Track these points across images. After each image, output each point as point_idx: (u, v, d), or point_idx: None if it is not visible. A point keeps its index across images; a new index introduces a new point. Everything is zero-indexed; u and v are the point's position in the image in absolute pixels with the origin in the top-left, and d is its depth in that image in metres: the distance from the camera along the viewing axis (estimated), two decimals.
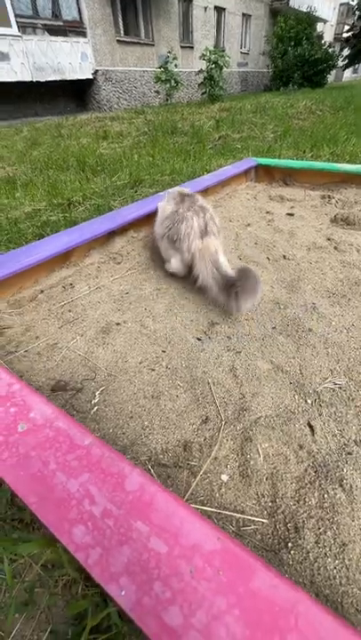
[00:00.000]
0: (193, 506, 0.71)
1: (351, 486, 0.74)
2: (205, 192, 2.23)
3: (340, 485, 0.74)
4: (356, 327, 1.20)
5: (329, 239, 1.82)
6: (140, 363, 1.10)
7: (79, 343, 1.18)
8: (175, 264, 1.50)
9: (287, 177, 2.62)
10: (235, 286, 1.26)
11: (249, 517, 0.69)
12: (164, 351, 1.15)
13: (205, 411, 0.94)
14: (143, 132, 6.35)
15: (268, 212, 2.18)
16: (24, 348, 1.16)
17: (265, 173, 2.68)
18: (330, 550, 0.64)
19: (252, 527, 0.69)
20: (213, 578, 0.45)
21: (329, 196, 2.33)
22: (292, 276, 1.52)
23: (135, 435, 0.87)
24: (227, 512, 0.70)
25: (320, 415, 0.92)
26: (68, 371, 1.07)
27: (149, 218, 1.81)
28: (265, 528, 0.69)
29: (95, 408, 0.93)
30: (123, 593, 0.44)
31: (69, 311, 1.35)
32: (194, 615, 0.42)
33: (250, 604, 0.43)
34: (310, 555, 0.63)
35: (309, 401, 0.96)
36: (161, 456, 0.82)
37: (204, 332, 1.23)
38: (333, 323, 1.22)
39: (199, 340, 1.20)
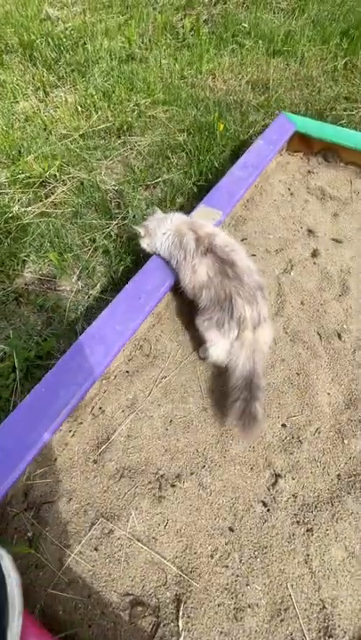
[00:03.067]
0: None
1: None
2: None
3: None
4: None
5: None
6: (211, 556, 1.01)
7: (136, 525, 1.04)
8: (220, 352, 1.22)
9: (329, 151, 1.99)
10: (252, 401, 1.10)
11: None
12: (232, 530, 1.05)
13: (290, 629, 0.93)
14: None
15: (310, 232, 1.73)
16: (78, 540, 1.02)
17: (301, 140, 2.01)
18: None
19: None
20: None
21: None
22: (350, 376, 1.33)
23: None
24: None
25: None
26: (138, 576, 0.98)
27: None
28: None
29: None
30: None
31: (110, 460, 1.15)
32: None
33: None
34: None
35: None
36: None
37: (268, 490, 1.12)
38: None
39: (265, 505, 1.10)
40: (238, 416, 1.10)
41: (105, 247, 1.78)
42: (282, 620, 0.94)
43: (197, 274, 1.21)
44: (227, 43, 3.32)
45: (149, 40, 3.34)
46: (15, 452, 1.00)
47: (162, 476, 1.12)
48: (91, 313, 1.62)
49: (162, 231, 1.34)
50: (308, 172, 1.98)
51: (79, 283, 1.71)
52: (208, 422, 1.22)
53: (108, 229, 1.87)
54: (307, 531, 1.05)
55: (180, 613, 0.94)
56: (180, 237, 1.28)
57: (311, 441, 1.20)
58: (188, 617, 0.94)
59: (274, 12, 3.73)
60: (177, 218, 1.35)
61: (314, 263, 1.61)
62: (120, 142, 2.35)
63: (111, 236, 1.86)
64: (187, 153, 2.25)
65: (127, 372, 1.31)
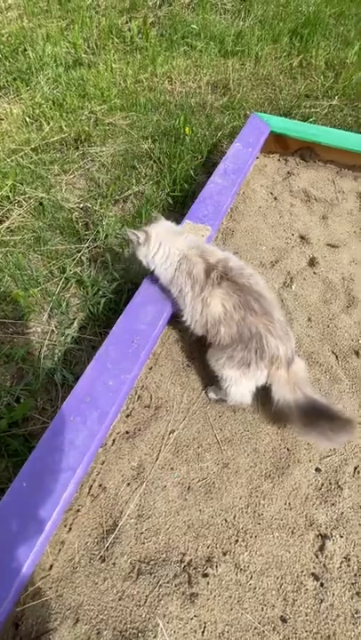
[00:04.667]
0: None
1: None
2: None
3: None
4: None
5: None
6: None
7: (167, 639, 0.80)
8: (243, 393, 1.03)
9: (306, 150, 1.85)
10: (327, 416, 0.93)
11: None
12: (284, 620, 0.84)
13: None
14: None
15: (302, 239, 1.57)
16: None
17: (276, 141, 1.85)
18: None
19: None
20: None
21: None
22: None
23: None
24: None
25: None
26: None
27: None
28: None
29: None
30: None
31: (122, 554, 0.89)
32: None
33: None
34: None
35: None
36: None
37: (316, 557, 0.92)
38: None
39: (317, 579, 0.90)
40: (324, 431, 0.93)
41: (78, 276, 1.51)
42: None
43: (210, 307, 0.98)
44: (178, 45, 3.13)
45: (96, 44, 3.07)
46: None
47: (189, 563, 0.89)
48: (71, 357, 1.34)
49: (170, 250, 1.08)
50: (288, 173, 1.82)
51: (52, 322, 1.42)
52: (232, 481, 1.00)
53: (78, 254, 1.59)
54: None
55: None
56: (188, 265, 1.04)
57: (352, 484, 1.01)
58: None
59: (220, 14, 3.60)
60: (188, 241, 1.10)
61: (314, 273, 1.45)
62: (79, 154, 2.07)
63: (83, 262, 1.59)
64: (155, 161, 2.02)
65: (127, 432, 1.05)
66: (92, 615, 0.83)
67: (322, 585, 0.88)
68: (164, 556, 0.90)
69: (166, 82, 2.69)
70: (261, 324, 0.95)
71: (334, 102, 2.48)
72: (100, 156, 2.07)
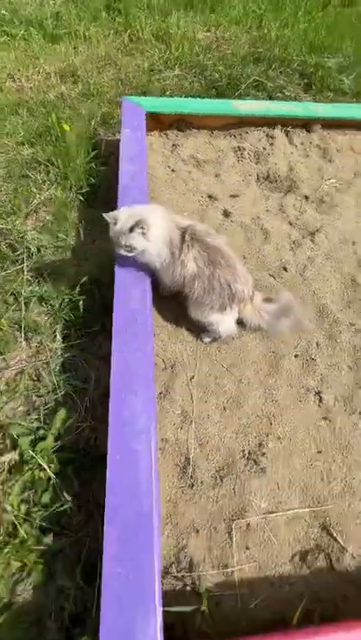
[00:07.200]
0: None
1: None
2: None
3: None
4: None
5: (291, 223, 1.84)
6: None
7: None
8: (229, 326, 1.35)
9: (180, 122, 2.11)
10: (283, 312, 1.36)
11: None
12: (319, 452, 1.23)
13: None
14: None
15: (210, 197, 1.87)
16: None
17: (152, 119, 2.06)
18: None
19: None
20: None
21: (239, 147, 2.11)
22: (321, 292, 1.61)
23: None
24: None
25: None
26: None
27: None
28: None
29: None
30: None
31: (204, 474, 1.12)
32: None
33: None
34: None
35: None
36: None
37: (319, 407, 1.32)
38: None
39: (325, 419, 1.30)
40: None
41: (35, 294, 1.54)
42: None
43: (187, 267, 1.24)
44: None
45: None
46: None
47: (249, 453, 1.19)
48: (68, 366, 1.42)
49: (160, 232, 1.24)
50: (173, 145, 2.08)
51: (32, 343, 1.46)
52: (249, 389, 1.32)
53: (23, 276, 1.60)
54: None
55: None
56: (171, 235, 1.25)
57: (321, 354, 1.43)
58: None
59: None
60: (165, 214, 1.30)
61: (231, 222, 1.79)
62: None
63: (31, 280, 1.60)
64: (45, 165, 2.03)
65: (160, 393, 1.26)
66: (204, 523, 1.07)
67: (329, 420, 1.30)
68: (230, 459, 1.18)
69: (9, 80, 2.57)
70: (229, 275, 1.25)
71: (177, 72, 2.79)
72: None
